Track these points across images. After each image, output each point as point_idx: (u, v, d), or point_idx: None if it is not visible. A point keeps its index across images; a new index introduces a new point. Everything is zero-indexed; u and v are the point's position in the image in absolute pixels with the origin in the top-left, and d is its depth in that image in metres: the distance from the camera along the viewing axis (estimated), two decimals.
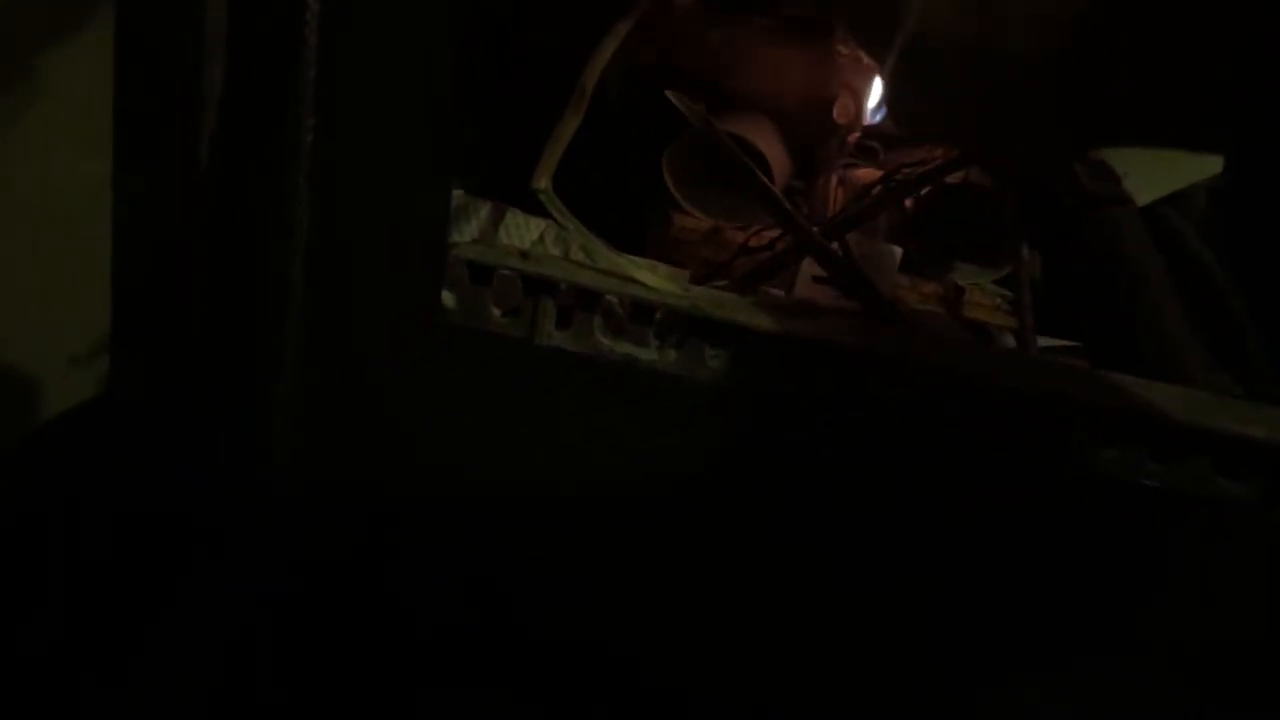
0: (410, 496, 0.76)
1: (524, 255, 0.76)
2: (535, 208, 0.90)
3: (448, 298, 0.77)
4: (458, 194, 0.99)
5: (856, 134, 1.22)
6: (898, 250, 1.10)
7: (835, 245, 0.92)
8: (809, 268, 1.00)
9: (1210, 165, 0.82)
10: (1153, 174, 0.97)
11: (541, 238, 0.99)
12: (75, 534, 0.71)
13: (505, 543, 0.79)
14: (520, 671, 0.79)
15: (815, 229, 0.87)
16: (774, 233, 0.99)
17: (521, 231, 1.00)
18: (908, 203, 1.13)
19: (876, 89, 1.18)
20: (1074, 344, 0.98)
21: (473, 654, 0.79)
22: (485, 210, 1.00)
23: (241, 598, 0.74)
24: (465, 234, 0.98)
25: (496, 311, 0.77)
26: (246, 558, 0.74)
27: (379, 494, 0.76)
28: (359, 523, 0.76)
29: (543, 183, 0.73)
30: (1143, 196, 0.99)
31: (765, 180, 0.85)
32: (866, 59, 1.14)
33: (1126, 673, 0.71)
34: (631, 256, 0.76)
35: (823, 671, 0.77)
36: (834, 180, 1.18)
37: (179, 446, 0.72)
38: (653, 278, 0.74)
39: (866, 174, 1.18)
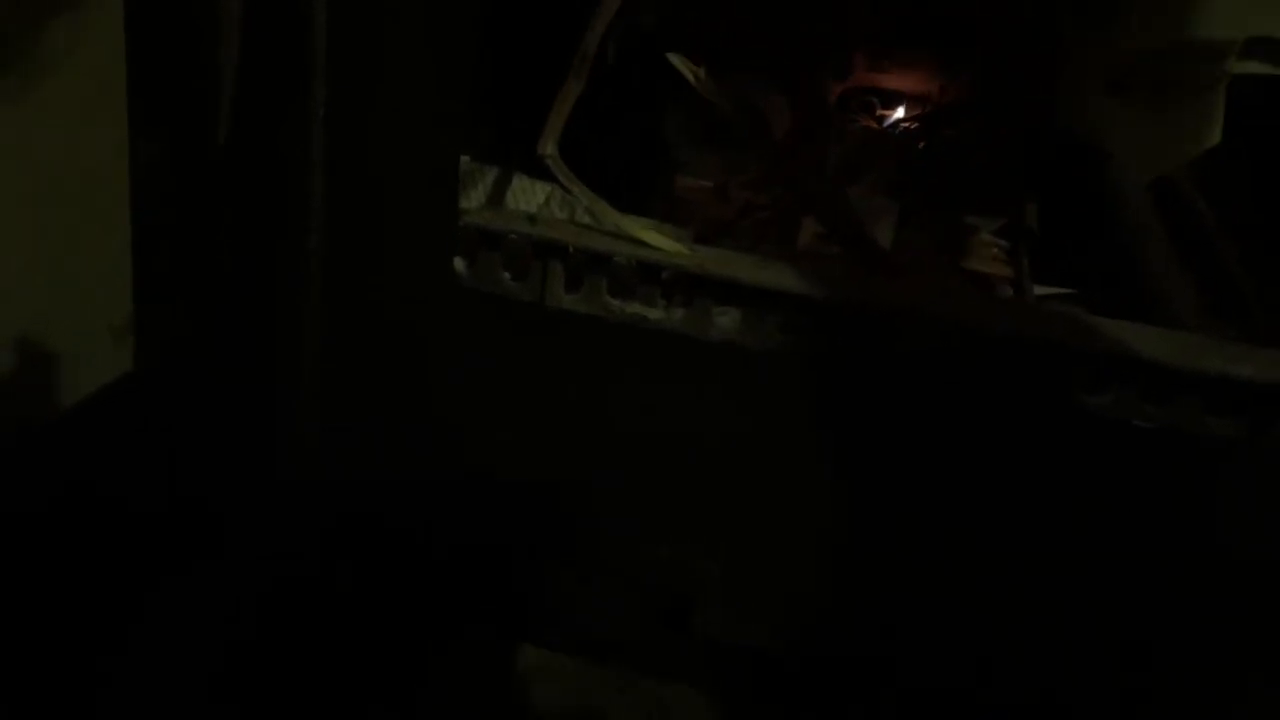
0: (425, 461, 0.79)
1: (532, 219, 0.77)
2: (539, 172, 0.91)
3: (459, 263, 0.79)
4: (464, 161, 1.00)
5: (854, 89, 1.22)
6: (896, 204, 1.11)
7: (835, 200, 0.94)
8: (811, 223, 1.01)
9: (1208, 137, 0.82)
10: (1150, 152, 0.96)
11: (547, 201, 1.00)
12: (96, 511, 0.73)
13: (519, 500, 0.81)
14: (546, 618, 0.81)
15: (815, 186, 0.89)
16: (776, 191, 1.01)
17: (528, 196, 1.01)
18: (905, 156, 1.14)
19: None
20: (1069, 291, 1.00)
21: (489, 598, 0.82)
22: (492, 176, 1.01)
23: (273, 553, 0.77)
24: (473, 200, 1.00)
25: (507, 275, 0.78)
26: (269, 522, 0.77)
27: (399, 473, 0.78)
28: (376, 489, 0.79)
29: (549, 148, 0.74)
30: (1142, 177, 0.98)
31: (765, 139, 0.86)
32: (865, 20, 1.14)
33: (1125, 599, 0.74)
34: (636, 217, 0.78)
35: (842, 604, 0.80)
36: (832, 136, 1.19)
37: (203, 415, 0.74)
38: (658, 238, 0.75)
39: (864, 129, 1.19)
